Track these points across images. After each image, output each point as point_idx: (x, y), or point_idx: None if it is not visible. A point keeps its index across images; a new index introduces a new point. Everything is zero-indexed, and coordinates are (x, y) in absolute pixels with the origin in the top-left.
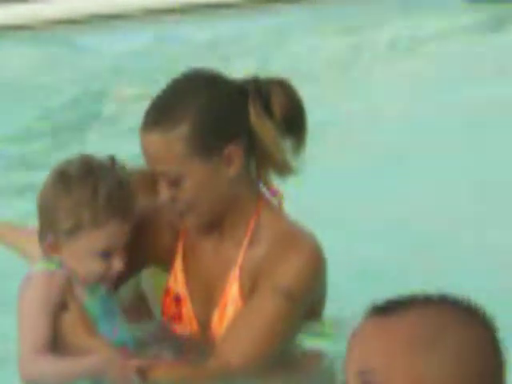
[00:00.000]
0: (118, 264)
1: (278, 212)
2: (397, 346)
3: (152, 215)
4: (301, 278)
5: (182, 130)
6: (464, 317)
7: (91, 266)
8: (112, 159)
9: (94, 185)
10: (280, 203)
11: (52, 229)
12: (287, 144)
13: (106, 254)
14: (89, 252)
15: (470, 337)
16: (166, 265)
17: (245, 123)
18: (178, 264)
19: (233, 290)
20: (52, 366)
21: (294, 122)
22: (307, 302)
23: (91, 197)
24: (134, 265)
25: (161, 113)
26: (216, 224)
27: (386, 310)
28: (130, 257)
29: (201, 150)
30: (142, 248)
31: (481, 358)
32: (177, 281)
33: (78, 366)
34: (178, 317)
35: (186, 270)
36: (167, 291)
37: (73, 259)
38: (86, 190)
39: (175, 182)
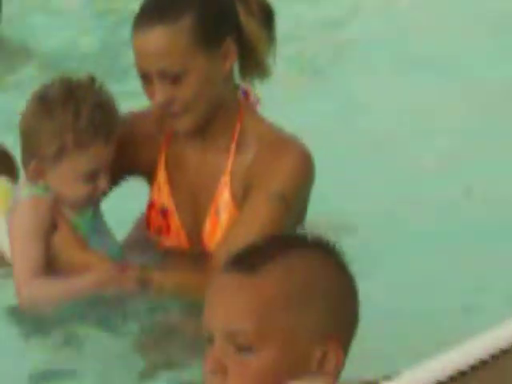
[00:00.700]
0: (103, 185)
1: (260, 117)
2: (265, 304)
3: (130, 127)
4: (293, 180)
5: (186, 22)
6: (323, 261)
7: (77, 189)
8: (91, 79)
9: (76, 107)
10: (257, 108)
11: (36, 154)
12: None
13: (91, 176)
14: (74, 174)
15: (336, 283)
16: (148, 177)
17: (235, 21)
18: (161, 175)
19: (224, 197)
20: (51, 287)
21: (268, 22)
22: (299, 204)
23: (73, 120)
24: (114, 178)
25: (162, 8)
26: (201, 131)
27: (246, 265)
28: (111, 170)
29: (203, 43)
30: (122, 161)
31: (347, 298)
32: (161, 193)
33: (78, 284)
34: (166, 229)
35: (170, 182)
36: (152, 204)
37: (59, 183)
38: (68, 113)
39: (176, 79)
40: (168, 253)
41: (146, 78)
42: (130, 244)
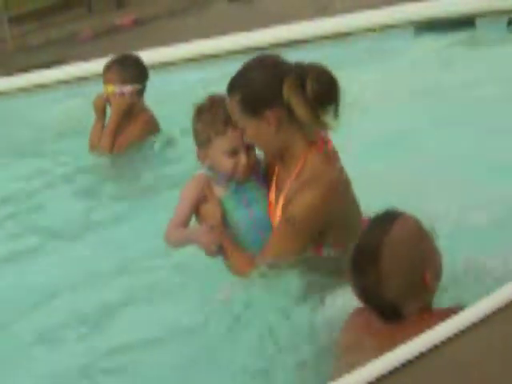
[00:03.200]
0: (242, 160)
1: (323, 157)
2: None
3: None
4: (306, 210)
5: (237, 97)
6: None
7: (224, 164)
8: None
9: (214, 111)
10: (329, 150)
11: (198, 145)
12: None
13: (232, 153)
14: (219, 153)
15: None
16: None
17: (274, 101)
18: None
19: (278, 211)
20: (175, 234)
21: (324, 96)
22: (313, 228)
23: (212, 119)
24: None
25: (229, 86)
26: (278, 157)
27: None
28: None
29: (248, 111)
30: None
31: None
32: (271, 192)
33: (184, 235)
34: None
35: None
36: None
37: (212, 162)
38: (210, 115)
39: (243, 131)
40: None
41: None
42: None
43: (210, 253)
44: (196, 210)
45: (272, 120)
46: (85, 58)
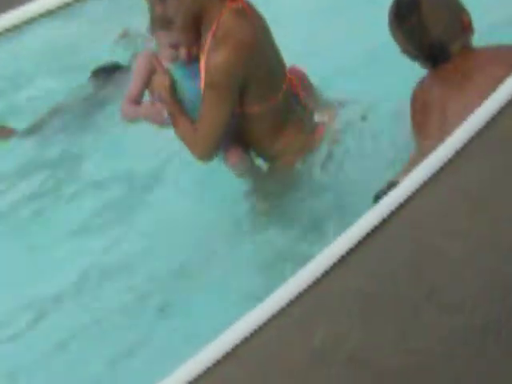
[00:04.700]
0: (182, 54)
1: (236, 14)
2: None
3: None
4: (221, 70)
5: None
6: None
7: (166, 53)
8: None
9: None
10: (244, 6)
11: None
12: None
13: (174, 47)
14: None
15: None
16: None
17: None
18: None
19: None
20: (128, 112)
21: None
22: (233, 86)
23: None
24: None
25: None
26: (199, 30)
27: None
28: None
29: None
30: None
31: None
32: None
33: (135, 112)
34: None
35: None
36: None
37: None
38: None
39: None
40: None
41: None
42: None
43: (160, 122)
44: (148, 83)
45: None
46: None
